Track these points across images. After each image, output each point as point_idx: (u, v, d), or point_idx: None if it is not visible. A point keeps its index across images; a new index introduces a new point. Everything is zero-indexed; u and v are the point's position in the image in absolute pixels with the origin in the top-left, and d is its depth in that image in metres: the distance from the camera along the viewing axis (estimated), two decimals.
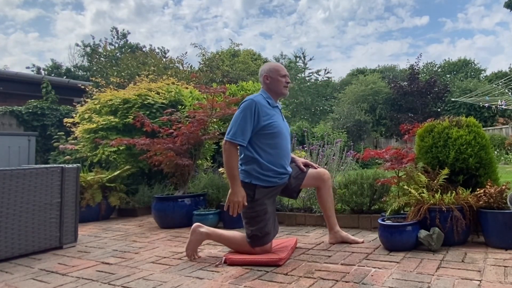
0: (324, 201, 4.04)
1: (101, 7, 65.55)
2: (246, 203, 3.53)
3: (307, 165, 4.08)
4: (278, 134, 3.66)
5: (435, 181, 4.02)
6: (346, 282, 2.84)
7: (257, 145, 3.59)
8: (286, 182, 3.80)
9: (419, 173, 4.13)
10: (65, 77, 28.39)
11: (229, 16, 79.85)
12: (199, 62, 23.50)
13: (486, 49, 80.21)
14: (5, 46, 58.05)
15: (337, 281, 2.87)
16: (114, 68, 16.22)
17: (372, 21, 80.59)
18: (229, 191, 3.52)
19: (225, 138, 3.52)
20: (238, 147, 3.58)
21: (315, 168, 4.08)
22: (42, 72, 33.37)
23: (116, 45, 34.00)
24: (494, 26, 77.80)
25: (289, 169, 3.85)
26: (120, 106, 7.14)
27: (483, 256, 3.35)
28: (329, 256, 3.56)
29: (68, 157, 8.14)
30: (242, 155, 3.65)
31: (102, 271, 3.39)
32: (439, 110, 29.37)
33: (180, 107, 7.38)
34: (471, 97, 24.79)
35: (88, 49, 33.08)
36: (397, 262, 3.26)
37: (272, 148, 3.62)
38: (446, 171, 4.01)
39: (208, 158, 7.80)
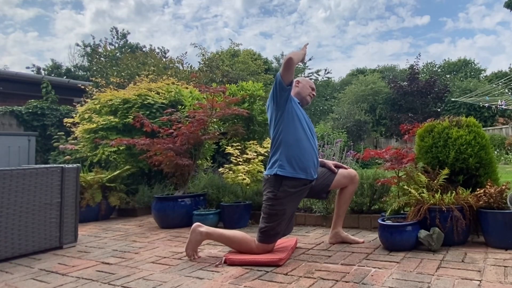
0: (344, 201, 4.09)
1: (101, 6, 65.26)
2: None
3: (337, 167, 4.12)
4: (301, 124, 3.72)
5: (435, 181, 4.02)
6: (346, 282, 2.84)
7: (283, 138, 3.64)
8: (311, 181, 3.79)
9: (419, 173, 4.13)
10: (65, 77, 28.37)
11: (229, 16, 79.65)
12: (199, 62, 23.49)
13: (487, 48, 79.93)
14: (4, 45, 57.79)
15: (337, 281, 2.88)
16: (114, 68, 16.20)
17: (373, 21, 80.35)
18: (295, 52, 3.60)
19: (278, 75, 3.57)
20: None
21: (346, 169, 4.12)
22: (42, 72, 33.33)
23: (116, 45, 33.96)
24: (495, 25, 77.50)
25: (318, 169, 3.89)
26: (120, 106, 7.13)
27: (483, 256, 3.35)
28: (329, 256, 3.57)
29: (68, 157, 8.13)
30: (272, 146, 3.73)
31: (102, 271, 3.39)
32: (439, 110, 29.33)
33: (180, 107, 7.37)
34: (471, 97, 24.76)
35: (88, 49, 33.02)
36: (397, 262, 3.27)
37: (297, 142, 3.65)
38: (446, 171, 4.01)
39: (208, 158, 7.79)
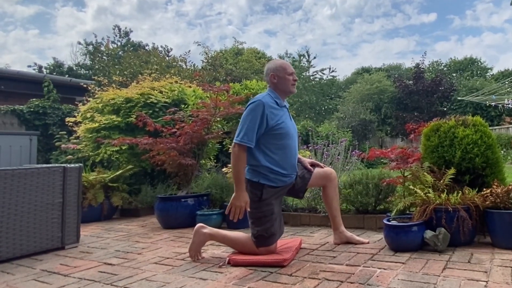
0: (330, 201, 4.01)
1: (103, 3, 64.61)
2: (248, 209, 3.52)
3: (313, 165, 4.05)
4: (285, 135, 3.64)
5: (441, 181, 3.99)
6: (351, 283, 2.82)
7: (265, 146, 3.56)
8: (293, 182, 3.77)
9: (425, 173, 4.10)
10: (67, 75, 28.25)
11: (233, 13, 79.21)
12: (202, 61, 23.44)
13: (494, 46, 78.85)
14: (5, 43, 57.29)
15: (342, 282, 2.86)
16: (116, 66, 16.17)
17: (378, 18, 79.58)
18: (233, 194, 3.50)
19: (234, 141, 3.50)
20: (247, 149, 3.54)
21: (322, 168, 4.05)
22: (44, 70, 33.20)
23: (119, 43, 33.95)
24: (503, 23, 76.13)
25: (297, 169, 3.83)
26: (123, 105, 7.11)
27: (489, 257, 3.33)
28: (334, 257, 3.54)
29: (70, 156, 8.12)
30: (250, 155, 3.59)
31: (104, 272, 3.37)
32: (445, 109, 29.21)
33: (183, 106, 7.35)
34: (477, 96, 24.67)
35: (90, 47, 33.00)
36: (403, 263, 3.25)
37: (279, 149, 3.60)
38: (452, 171, 3.98)
39: (212, 158, 7.76)
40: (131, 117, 6.82)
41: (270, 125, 3.53)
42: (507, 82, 25.78)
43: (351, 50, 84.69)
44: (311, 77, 30.10)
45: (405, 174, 4.26)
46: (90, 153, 7.23)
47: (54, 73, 30.00)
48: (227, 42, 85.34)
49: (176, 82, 8.35)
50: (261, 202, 3.54)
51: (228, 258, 3.49)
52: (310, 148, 6.11)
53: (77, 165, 4.53)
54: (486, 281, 2.72)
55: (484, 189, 3.84)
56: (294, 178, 3.78)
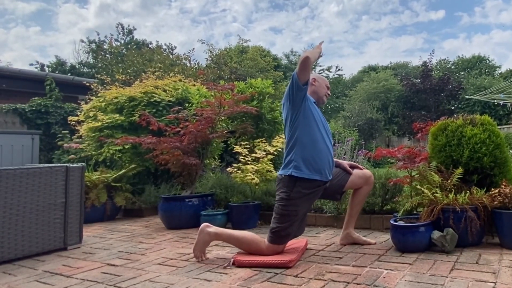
0: (357, 202, 4.03)
1: (105, 0, 64.55)
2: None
3: (352, 167, 4.05)
4: (318, 127, 3.65)
5: (449, 181, 3.97)
6: (358, 284, 2.81)
7: (300, 138, 3.58)
8: (327, 183, 3.74)
9: (432, 173, 4.07)
10: (69, 74, 28.12)
11: (238, 10, 78.28)
12: (206, 59, 23.33)
13: (503, 44, 76.93)
14: (6, 41, 56.24)
15: (348, 283, 2.84)
16: (119, 65, 16.11)
17: (386, 15, 77.88)
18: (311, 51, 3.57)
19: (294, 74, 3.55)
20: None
21: (361, 169, 4.05)
22: (46, 69, 33.05)
23: (122, 41, 33.85)
24: None
25: (332, 169, 3.82)
26: (126, 104, 7.08)
27: (498, 258, 3.31)
28: (340, 258, 3.52)
29: (72, 156, 8.09)
30: (287, 146, 3.66)
31: (107, 273, 3.35)
32: (453, 108, 29.03)
33: (187, 105, 7.32)
34: (485, 94, 24.52)
35: (93, 45, 32.92)
36: (410, 264, 3.23)
37: (313, 142, 3.59)
38: (460, 170, 3.95)
39: (216, 157, 7.71)
40: (134, 116, 6.79)
41: (307, 102, 3.63)
42: None
43: (358, 47, 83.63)
44: None
45: (412, 174, 4.23)
46: (93, 153, 7.21)
47: (57, 71, 29.91)
48: (232, 40, 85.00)
49: (180, 80, 8.35)
50: (289, 201, 3.52)
51: (233, 259, 3.47)
52: None
53: (79, 164, 4.50)
54: (495, 282, 2.71)
55: (492, 189, 3.82)
56: (327, 178, 3.71)
